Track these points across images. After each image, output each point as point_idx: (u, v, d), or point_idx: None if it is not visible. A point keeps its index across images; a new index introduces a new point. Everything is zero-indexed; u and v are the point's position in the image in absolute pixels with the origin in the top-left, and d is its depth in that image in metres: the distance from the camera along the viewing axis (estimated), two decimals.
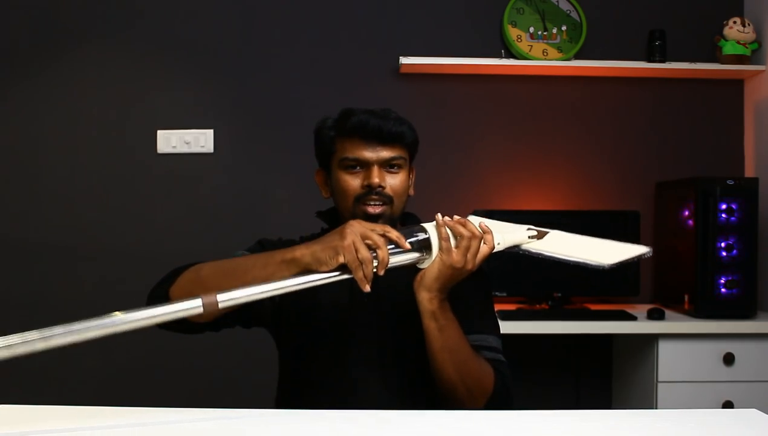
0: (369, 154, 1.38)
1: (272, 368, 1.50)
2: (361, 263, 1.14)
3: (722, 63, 2.80)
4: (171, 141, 2.83)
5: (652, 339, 2.43)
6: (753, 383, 2.41)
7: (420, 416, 1.14)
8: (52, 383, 2.79)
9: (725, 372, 2.41)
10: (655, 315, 2.46)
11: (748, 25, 2.77)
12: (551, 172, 2.90)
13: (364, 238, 1.16)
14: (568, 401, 2.84)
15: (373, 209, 1.38)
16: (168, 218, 2.83)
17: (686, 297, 2.56)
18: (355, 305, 1.40)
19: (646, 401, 2.50)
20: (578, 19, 2.82)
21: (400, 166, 1.41)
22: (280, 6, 2.86)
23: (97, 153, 2.83)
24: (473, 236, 1.22)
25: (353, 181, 1.39)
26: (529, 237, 1.27)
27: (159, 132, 2.83)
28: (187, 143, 2.83)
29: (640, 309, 2.61)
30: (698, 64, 2.80)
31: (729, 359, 2.40)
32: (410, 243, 1.21)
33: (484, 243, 1.24)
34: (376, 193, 1.38)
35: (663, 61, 2.79)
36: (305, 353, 1.41)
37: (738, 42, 2.77)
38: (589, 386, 2.88)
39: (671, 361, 2.42)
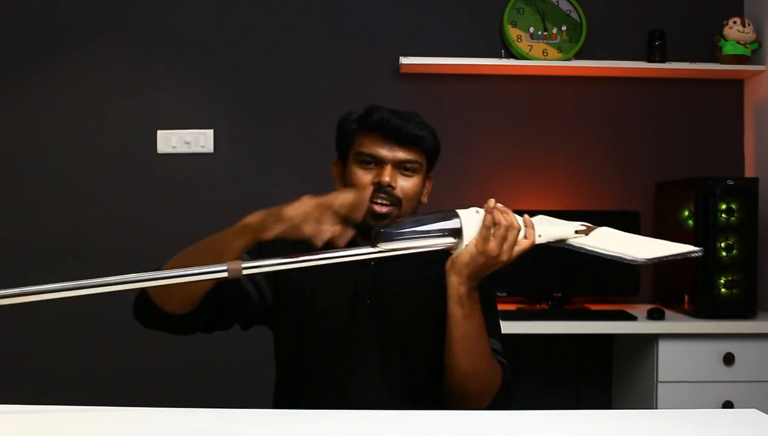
0: (385, 152, 1.37)
1: (272, 368, 1.50)
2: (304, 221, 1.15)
3: (722, 63, 2.80)
4: (171, 141, 2.83)
5: (652, 339, 2.43)
6: (753, 383, 2.41)
7: (420, 416, 1.14)
8: (52, 383, 2.79)
9: (725, 372, 2.41)
10: (655, 315, 2.46)
11: (748, 25, 2.77)
12: (551, 172, 2.90)
13: (307, 215, 1.16)
14: (568, 401, 2.84)
15: (380, 208, 1.36)
16: (168, 217, 2.83)
17: (686, 297, 2.56)
18: (357, 308, 1.38)
19: (646, 401, 2.50)
20: (578, 19, 2.82)
21: (414, 171, 1.40)
22: (280, 6, 2.86)
23: (97, 153, 2.83)
24: (511, 226, 1.21)
25: (365, 177, 1.38)
26: (576, 232, 1.26)
27: (159, 132, 2.83)
28: (187, 143, 2.83)
29: (640, 309, 2.61)
30: (698, 64, 2.80)
31: (729, 359, 2.40)
32: (441, 230, 1.21)
33: (525, 237, 1.23)
34: (385, 192, 1.36)
35: (663, 61, 2.79)
36: (304, 357, 1.39)
37: (738, 42, 2.77)
38: (589, 386, 2.88)
39: (671, 361, 2.42)
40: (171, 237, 2.80)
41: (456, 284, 1.25)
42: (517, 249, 1.23)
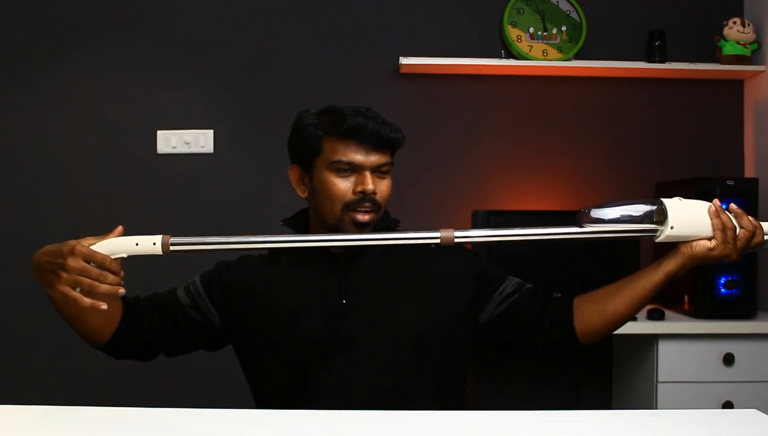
0: (362, 158, 1.35)
1: None
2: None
3: (722, 63, 2.80)
4: (171, 141, 2.83)
5: (652, 339, 2.43)
6: (753, 383, 2.41)
7: (419, 416, 1.14)
8: (52, 383, 2.79)
9: (725, 372, 2.41)
10: (654, 315, 2.46)
11: (748, 25, 2.77)
12: (551, 172, 2.90)
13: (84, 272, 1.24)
14: (568, 401, 2.84)
15: (363, 217, 1.35)
16: (168, 217, 2.83)
17: (686, 297, 2.56)
18: (330, 309, 1.36)
19: (646, 401, 2.49)
20: (578, 19, 2.82)
21: (388, 171, 1.39)
22: (280, 6, 2.86)
23: (97, 153, 2.83)
24: (746, 229, 1.25)
25: (343, 185, 1.36)
26: None
27: (159, 132, 2.83)
28: (187, 143, 2.83)
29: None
30: (698, 64, 2.80)
31: (729, 360, 2.40)
32: (646, 215, 1.23)
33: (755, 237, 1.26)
34: (369, 200, 1.35)
35: (663, 62, 2.79)
36: (281, 369, 1.36)
37: (738, 42, 2.77)
38: (589, 386, 2.88)
39: (671, 361, 2.42)
40: None
41: (679, 262, 1.28)
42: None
